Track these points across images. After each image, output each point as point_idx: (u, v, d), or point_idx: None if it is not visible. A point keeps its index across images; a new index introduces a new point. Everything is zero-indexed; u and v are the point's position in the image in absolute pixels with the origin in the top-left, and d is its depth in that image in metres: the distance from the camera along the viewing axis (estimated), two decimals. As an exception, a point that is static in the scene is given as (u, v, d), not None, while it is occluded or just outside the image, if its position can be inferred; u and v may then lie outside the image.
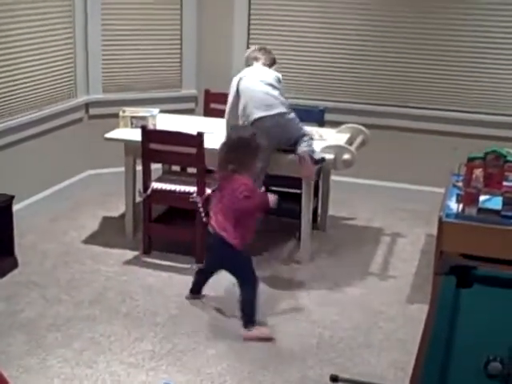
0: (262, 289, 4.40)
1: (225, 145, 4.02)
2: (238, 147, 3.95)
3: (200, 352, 3.77)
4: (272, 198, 4.05)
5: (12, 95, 5.02)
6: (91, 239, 5.07)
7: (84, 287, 4.39)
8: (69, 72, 5.60)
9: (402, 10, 5.62)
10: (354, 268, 4.77)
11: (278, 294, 4.40)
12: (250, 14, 5.92)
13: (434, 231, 4.22)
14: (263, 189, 4.45)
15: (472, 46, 5.54)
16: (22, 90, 5.11)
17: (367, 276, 4.67)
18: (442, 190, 4.66)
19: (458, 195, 4.22)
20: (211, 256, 4.18)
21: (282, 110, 4.53)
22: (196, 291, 4.31)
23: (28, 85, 5.16)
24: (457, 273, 2.61)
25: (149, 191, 4.73)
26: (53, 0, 5.29)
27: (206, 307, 4.21)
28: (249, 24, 5.95)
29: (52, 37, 5.34)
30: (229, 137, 4.15)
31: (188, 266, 4.68)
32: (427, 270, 4.59)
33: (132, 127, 4.96)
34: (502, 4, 5.40)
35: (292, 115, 4.59)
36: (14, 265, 4.58)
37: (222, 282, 4.37)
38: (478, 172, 4.16)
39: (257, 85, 4.57)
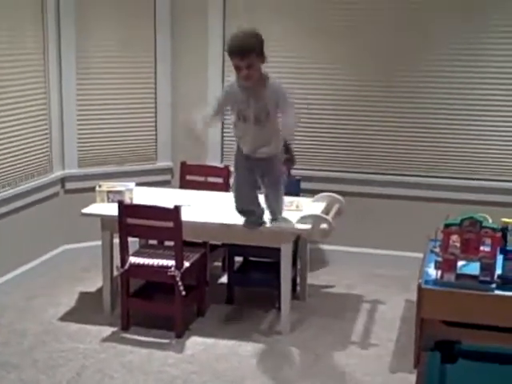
0: (243, 362, 4.36)
1: None
2: None
3: (182, 431, 3.68)
4: None
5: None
6: (68, 316, 4.99)
7: (61, 367, 4.30)
8: (44, 147, 5.59)
9: (374, 79, 5.70)
10: (335, 337, 4.72)
11: (259, 366, 4.33)
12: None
13: (414, 297, 4.22)
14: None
15: (449, 113, 5.64)
16: (-4, 167, 5.09)
17: (349, 345, 4.63)
18: (420, 255, 4.67)
19: (436, 262, 4.23)
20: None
21: None
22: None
23: (2, 162, 5.14)
24: (441, 348, 2.58)
25: (126, 266, 4.69)
26: (28, 73, 5.31)
27: (187, 383, 4.12)
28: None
29: (27, 113, 5.35)
30: None
31: (168, 341, 4.61)
32: (408, 338, 4.57)
33: (109, 202, 4.94)
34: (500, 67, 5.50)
35: None
36: (-9, 346, 4.49)
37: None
38: (455, 238, 4.17)
39: None
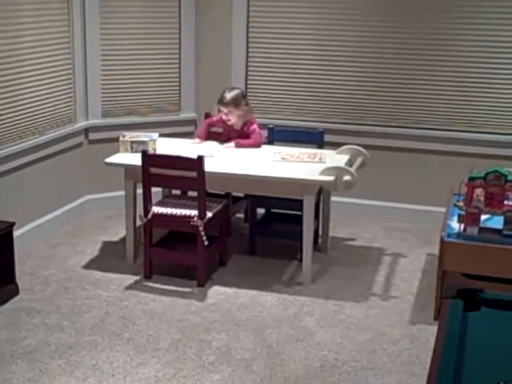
0: (264, 311, 4.39)
1: None
2: None
3: (204, 377, 3.72)
4: None
5: (13, 121, 5.01)
6: (92, 264, 5.04)
7: (85, 313, 4.35)
8: (68, 97, 5.59)
9: (401, 29, 5.62)
10: (356, 289, 4.74)
11: (280, 316, 4.36)
12: (248, 37, 5.93)
13: (435, 251, 4.21)
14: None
15: (478, 67, 5.54)
16: (22, 116, 5.10)
17: (369, 297, 4.64)
18: (443, 209, 4.65)
19: (459, 215, 4.21)
20: None
21: None
22: None
23: (28, 111, 5.15)
24: (464, 296, 2.58)
25: (149, 215, 4.71)
26: (52, 26, 5.30)
27: (209, 331, 4.16)
28: (247, 47, 5.96)
29: (51, 63, 5.33)
30: None
31: (190, 289, 4.65)
32: (429, 290, 4.58)
33: (132, 152, 4.94)
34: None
35: None
36: (16, 292, 4.54)
37: (225, 305, 4.36)
38: (479, 191, 4.14)
39: None
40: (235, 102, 5.15)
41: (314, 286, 4.77)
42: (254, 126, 5.25)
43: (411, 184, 5.84)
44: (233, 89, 5.24)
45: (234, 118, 5.19)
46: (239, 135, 5.25)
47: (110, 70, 5.81)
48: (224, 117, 5.21)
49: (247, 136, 5.23)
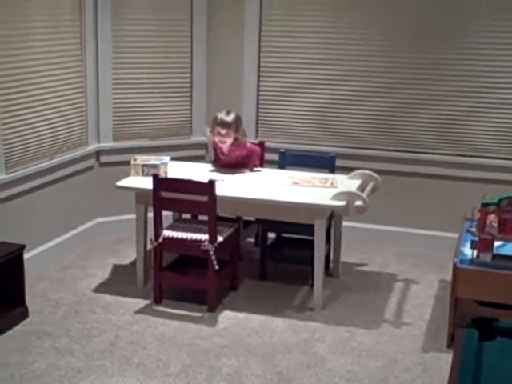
0: (275, 337, 4.36)
1: None
2: None
3: (214, 404, 3.69)
4: None
5: (25, 144, 5.03)
6: (102, 288, 5.03)
7: (95, 337, 4.34)
8: (80, 120, 5.62)
9: (414, 56, 5.63)
10: (367, 315, 4.71)
11: (291, 342, 4.33)
12: (259, 61, 5.95)
13: (447, 277, 4.19)
14: None
15: (490, 92, 5.53)
16: (34, 139, 5.12)
17: (381, 323, 4.61)
18: (455, 235, 4.63)
19: (472, 241, 4.18)
20: None
21: None
22: None
23: (41, 134, 5.18)
24: (479, 325, 2.55)
25: (160, 239, 4.71)
26: (65, 50, 5.34)
27: (219, 356, 4.13)
28: (259, 71, 5.98)
29: (63, 86, 5.37)
30: None
31: (200, 314, 4.63)
32: (441, 317, 4.54)
33: (143, 175, 4.95)
34: None
35: None
36: (25, 314, 4.53)
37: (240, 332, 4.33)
38: (492, 217, 4.12)
39: None
40: (237, 125, 5.12)
41: (325, 311, 4.74)
42: (249, 146, 5.26)
43: (423, 209, 5.81)
44: (229, 111, 5.16)
45: (229, 141, 5.14)
46: (228, 159, 5.22)
47: (121, 93, 5.83)
48: (219, 138, 5.13)
49: (237, 160, 5.20)
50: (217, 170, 5.22)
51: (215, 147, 5.30)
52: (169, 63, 5.94)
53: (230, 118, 5.08)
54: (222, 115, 5.09)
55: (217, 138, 5.15)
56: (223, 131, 5.08)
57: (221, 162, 5.26)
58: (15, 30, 4.81)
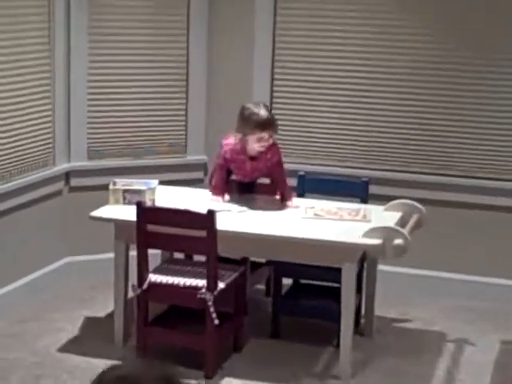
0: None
1: None
2: None
3: None
4: None
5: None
6: (70, 346, 5.01)
7: (60, 411, 4.29)
8: (46, 133, 5.62)
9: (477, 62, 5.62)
10: (409, 386, 4.66)
11: (311, 420, 4.27)
12: (273, 65, 5.96)
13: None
14: None
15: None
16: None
17: (427, 396, 4.57)
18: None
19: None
20: None
21: None
22: None
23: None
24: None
25: (145, 285, 4.69)
26: (27, 44, 5.34)
27: None
28: (272, 75, 6.00)
29: (25, 90, 5.37)
30: None
31: (195, 382, 4.57)
32: (504, 389, 4.48)
33: (125, 203, 4.96)
34: None
35: None
36: (-28, 380, 4.49)
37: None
38: None
39: None
40: (275, 122, 4.97)
41: (355, 380, 4.70)
42: (277, 158, 5.07)
43: (482, 250, 5.76)
44: (261, 103, 5.02)
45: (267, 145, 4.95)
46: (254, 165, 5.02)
47: (98, 101, 5.84)
48: (261, 144, 4.87)
49: (263, 165, 5.01)
50: (234, 195, 5.20)
51: (233, 159, 5.06)
52: (158, 64, 5.95)
53: (269, 114, 4.93)
54: (263, 112, 4.89)
55: (256, 145, 4.92)
56: (268, 134, 4.91)
57: (242, 173, 5.11)
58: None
